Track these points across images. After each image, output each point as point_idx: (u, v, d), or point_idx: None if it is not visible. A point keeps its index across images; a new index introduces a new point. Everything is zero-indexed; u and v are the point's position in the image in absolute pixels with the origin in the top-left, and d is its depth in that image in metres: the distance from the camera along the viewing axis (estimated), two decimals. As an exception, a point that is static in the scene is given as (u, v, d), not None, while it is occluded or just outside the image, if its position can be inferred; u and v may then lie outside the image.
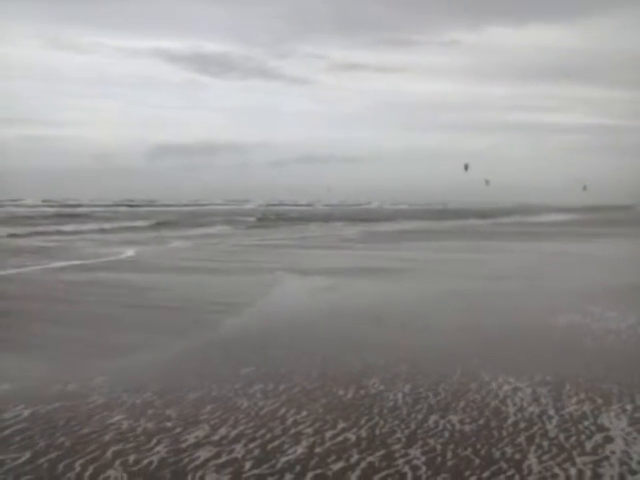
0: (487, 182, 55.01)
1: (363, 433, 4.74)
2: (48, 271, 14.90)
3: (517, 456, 4.34)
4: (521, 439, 4.61)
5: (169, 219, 44.63)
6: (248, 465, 4.21)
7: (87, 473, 4.11)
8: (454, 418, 5.04)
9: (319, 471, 4.12)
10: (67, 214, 49.36)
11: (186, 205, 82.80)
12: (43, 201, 77.79)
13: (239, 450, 4.45)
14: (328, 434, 4.72)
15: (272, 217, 54.25)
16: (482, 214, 64.86)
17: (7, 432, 4.77)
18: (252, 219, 49.23)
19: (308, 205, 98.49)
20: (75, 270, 15.19)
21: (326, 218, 52.30)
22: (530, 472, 4.10)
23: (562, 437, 4.65)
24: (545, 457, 4.32)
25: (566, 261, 18.07)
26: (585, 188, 70.04)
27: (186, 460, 4.30)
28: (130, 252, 20.08)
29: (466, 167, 36.08)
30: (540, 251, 21.25)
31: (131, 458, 4.32)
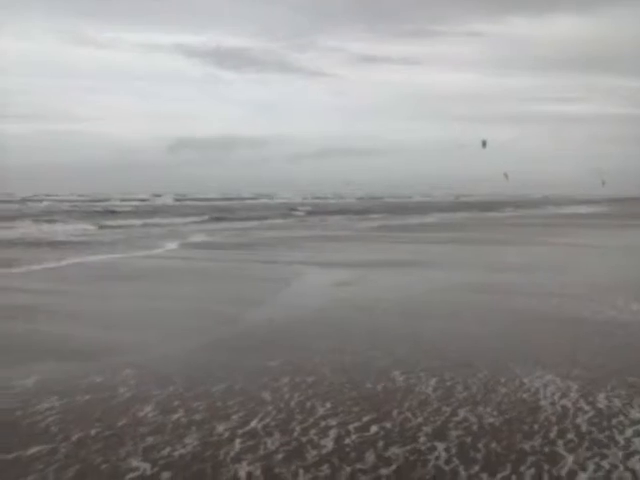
0: (506, 176, 55.26)
1: (393, 426, 4.74)
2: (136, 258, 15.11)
3: (547, 449, 4.31)
4: (552, 432, 4.58)
5: (221, 214, 45.48)
6: (279, 458, 4.24)
7: (123, 465, 4.16)
8: (484, 411, 5.01)
9: (352, 465, 4.13)
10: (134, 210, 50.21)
11: (218, 199, 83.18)
12: (79, 195, 78.88)
13: (270, 443, 4.47)
14: (358, 427, 4.73)
15: (320, 210, 55.05)
16: (497, 206, 64.44)
17: (44, 423, 4.84)
18: (301, 212, 50.69)
19: (338, 198, 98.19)
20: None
21: (366, 211, 53.41)
22: (562, 466, 4.08)
23: (593, 430, 4.62)
24: (577, 450, 4.29)
25: (591, 253, 17.88)
26: (604, 183, 69.55)
27: (218, 453, 4.33)
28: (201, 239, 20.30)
29: (484, 144, 35.59)
30: (565, 243, 21.05)
31: (165, 451, 4.36)
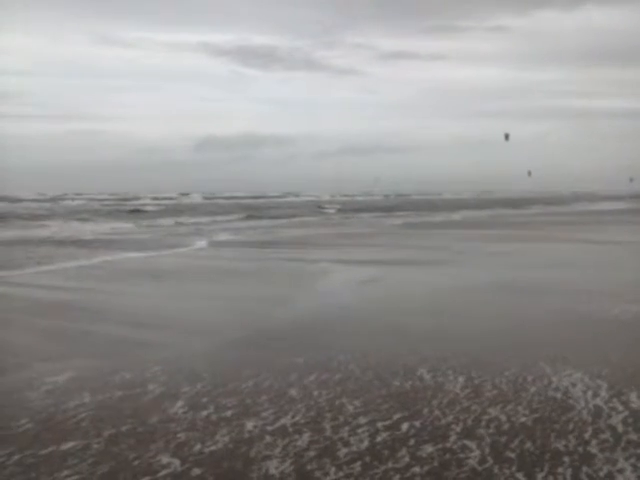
0: (529, 173, 55.39)
1: (424, 425, 4.72)
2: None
3: (580, 449, 4.26)
4: (583, 432, 4.53)
5: (254, 212, 46.15)
6: (311, 455, 4.24)
7: (156, 461, 4.19)
8: (515, 410, 4.97)
9: (385, 463, 4.12)
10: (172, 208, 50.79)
11: (246, 197, 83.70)
12: (110, 194, 79.89)
13: (301, 441, 4.48)
14: (388, 426, 4.71)
15: (348, 207, 55.31)
16: (524, 203, 63.80)
17: (76, 419, 4.90)
18: (332, 210, 51.54)
19: (366, 195, 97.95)
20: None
21: (394, 208, 53.74)
22: (599, 467, 4.03)
23: (625, 430, 4.55)
24: (609, 451, 4.23)
25: (619, 250, 17.63)
26: (632, 180, 68.94)
27: (249, 450, 4.35)
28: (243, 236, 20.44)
29: (507, 137, 35.46)
30: (593, 240, 20.79)
31: (197, 447, 4.39)
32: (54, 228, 29.19)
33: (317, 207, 54.85)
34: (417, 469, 4.01)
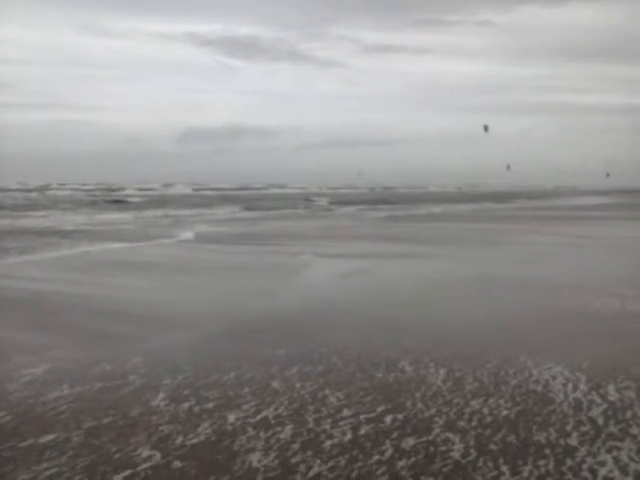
0: (508, 167, 56.18)
1: (407, 417, 4.72)
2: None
3: (562, 441, 4.30)
4: (564, 424, 4.56)
5: (249, 204, 46.11)
6: (295, 448, 4.22)
7: (139, 454, 4.15)
8: (497, 403, 5.00)
9: (368, 456, 4.11)
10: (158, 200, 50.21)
11: (233, 189, 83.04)
12: (96, 184, 78.86)
13: (284, 433, 4.46)
14: (372, 418, 4.71)
15: (339, 200, 55.38)
16: (508, 197, 64.30)
17: (55, 412, 4.83)
18: (322, 202, 51.88)
19: (350, 188, 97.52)
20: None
21: (379, 201, 54.15)
22: (575, 457, 4.06)
23: (605, 422, 4.59)
24: (590, 443, 4.27)
25: (601, 245, 17.84)
26: (608, 175, 70.21)
27: (231, 442, 4.32)
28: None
29: (486, 128, 35.64)
30: (574, 235, 21.01)
31: (179, 440, 4.35)
32: (38, 219, 28.85)
33: (306, 199, 54.72)
34: (401, 462, 4.01)
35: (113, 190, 68.05)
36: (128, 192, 63.90)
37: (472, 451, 4.16)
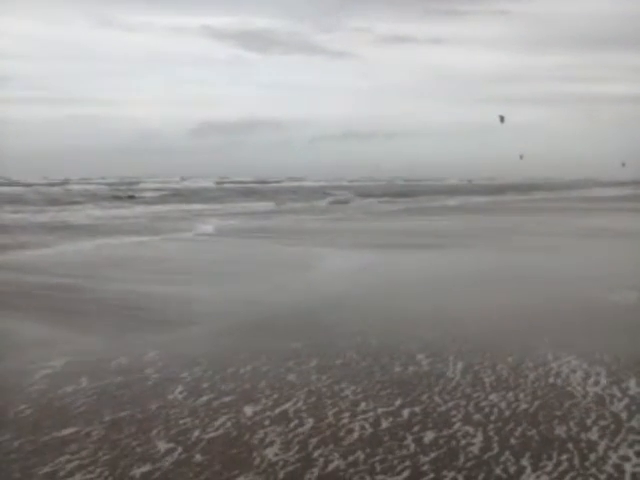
0: (521, 157, 55.88)
1: (426, 411, 4.69)
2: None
3: (582, 436, 4.26)
4: (584, 419, 4.52)
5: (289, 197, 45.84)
6: (314, 442, 4.21)
7: (158, 448, 4.15)
8: (516, 396, 4.96)
9: (388, 451, 4.09)
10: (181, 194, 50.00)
11: (255, 182, 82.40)
12: (121, 178, 78.62)
13: (302, 427, 4.45)
14: (390, 412, 4.69)
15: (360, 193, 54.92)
16: (524, 189, 63.98)
17: (75, 405, 4.85)
18: (347, 194, 51.07)
19: (369, 181, 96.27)
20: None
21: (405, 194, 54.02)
22: (597, 452, 4.02)
23: (625, 417, 4.55)
24: (610, 437, 4.22)
25: (619, 237, 17.67)
26: (624, 165, 69.62)
27: (250, 436, 4.31)
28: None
29: (502, 119, 35.24)
30: (591, 227, 20.84)
31: (196, 434, 4.35)
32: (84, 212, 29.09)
33: (325, 193, 53.91)
34: (422, 457, 3.99)
35: (132, 184, 67.91)
36: (153, 186, 63.41)
37: (494, 446, 4.13)
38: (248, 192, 52.57)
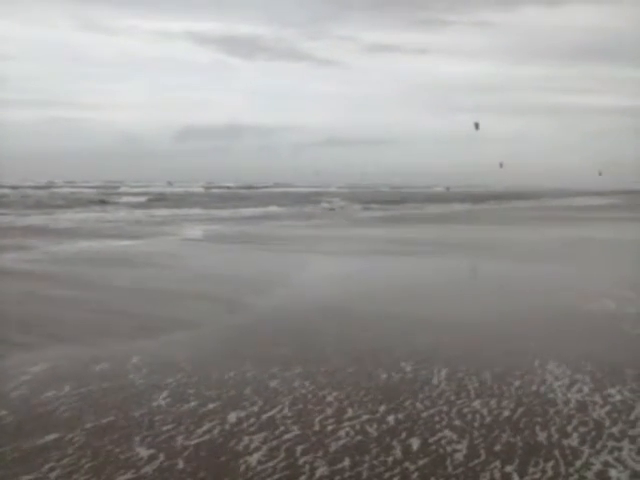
0: (501, 165, 56.76)
1: (412, 418, 4.69)
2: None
3: (564, 442, 4.29)
4: (567, 425, 4.56)
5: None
6: (299, 449, 4.20)
7: (143, 454, 4.11)
8: (500, 404, 4.99)
9: (374, 457, 4.09)
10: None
11: (241, 188, 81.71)
12: (104, 182, 77.52)
13: (288, 434, 4.43)
14: (375, 419, 4.69)
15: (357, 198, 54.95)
16: (510, 197, 64.48)
17: (57, 412, 4.79)
18: (338, 201, 51.62)
19: (354, 188, 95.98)
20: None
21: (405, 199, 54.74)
22: (578, 458, 4.06)
23: (608, 424, 4.59)
24: (592, 444, 4.26)
25: (604, 246, 17.89)
26: (600, 174, 70.80)
27: (235, 443, 4.28)
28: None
29: (477, 126, 35.41)
30: (570, 236, 21.07)
31: (179, 440, 4.32)
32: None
33: (317, 199, 53.84)
34: (407, 464, 3.99)
35: (116, 188, 67.28)
36: (139, 190, 62.74)
37: (480, 452, 4.15)
38: (244, 197, 52.16)
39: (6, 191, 52.11)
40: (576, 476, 3.85)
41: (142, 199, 47.27)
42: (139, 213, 32.35)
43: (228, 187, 79.99)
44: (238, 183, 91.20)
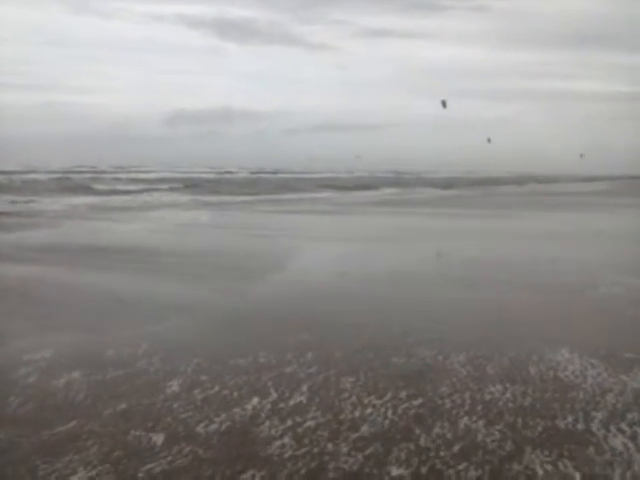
0: (489, 140, 56.43)
1: (433, 404, 4.64)
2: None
3: (580, 426, 4.24)
4: (585, 411, 4.51)
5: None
6: (324, 437, 4.12)
7: (163, 442, 4.03)
8: (515, 389, 4.94)
9: (401, 445, 4.02)
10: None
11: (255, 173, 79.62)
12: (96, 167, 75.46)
13: (310, 421, 4.36)
14: (396, 405, 4.62)
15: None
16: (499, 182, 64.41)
17: (69, 399, 4.70)
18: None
19: (349, 172, 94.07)
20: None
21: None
22: (599, 444, 4.01)
23: (624, 409, 4.55)
24: (612, 430, 4.22)
25: (599, 231, 17.91)
26: (582, 156, 71.28)
27: (256, 431, 4.20)
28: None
29: (444, 104, 34.85)
30: (567, 221, 21.07)
31: (199, 429, 4.23)
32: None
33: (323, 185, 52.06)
34: (437, 452, 3.93)
35: (112, 173, 65.52)
36: (148, 176, 59.96)
37: (508, 440, 4.09)
38: (282, 185, 49.55)
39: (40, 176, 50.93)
40: (606, 461, 3.81)
41: (177, 185, 44.79)
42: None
43: (231, 172, 78.40)
44: (238, 169, 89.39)
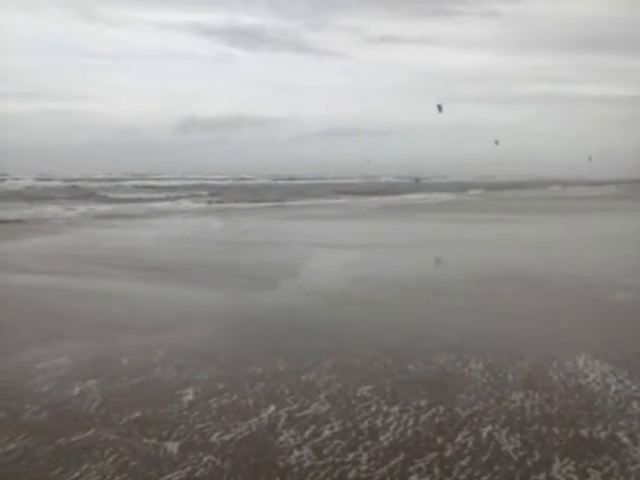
0: (497, 142, 55.80)
1: (454, 412, 4.55)
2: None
3: (602, 435, 4.14)
4: (608, 418, 4.41)
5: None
6: (344, 447, 4.05)
7: (177, 453, 3.96)
8: (536, 396, 4.83)
9: (424, 454, 3.94)
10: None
11: (275, 179, 79.41)
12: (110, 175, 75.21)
13: (326, 431, 4.27)
14: (417, 414, 4.53)
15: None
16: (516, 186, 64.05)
17: (84, 407, 4.65)
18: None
19: (364, 178, 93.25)
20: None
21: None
22: (627, 451, 3.91)
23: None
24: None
25: (615, 235, 17.71)
26: (590, 159, 70.79)
27: (272, 440, 4.13)
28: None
29: (439, 108, 34.49)
30: (584, 225, 20.86)
31: (215, 437, 4.17)
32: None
33: (337, 191, 51.83)
34: (460, 462, 3.84)
35: (124, 180, 65.33)
36: (165, 184, 59.50)
37: (534, 449, 3.99)
38: (298, 191, 49.64)
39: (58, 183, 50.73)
40: (632, 468, 3.70)
41: (200, 192, 44.39)
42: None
43: (246, 179, 78.19)
44: (253, 175, 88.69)
